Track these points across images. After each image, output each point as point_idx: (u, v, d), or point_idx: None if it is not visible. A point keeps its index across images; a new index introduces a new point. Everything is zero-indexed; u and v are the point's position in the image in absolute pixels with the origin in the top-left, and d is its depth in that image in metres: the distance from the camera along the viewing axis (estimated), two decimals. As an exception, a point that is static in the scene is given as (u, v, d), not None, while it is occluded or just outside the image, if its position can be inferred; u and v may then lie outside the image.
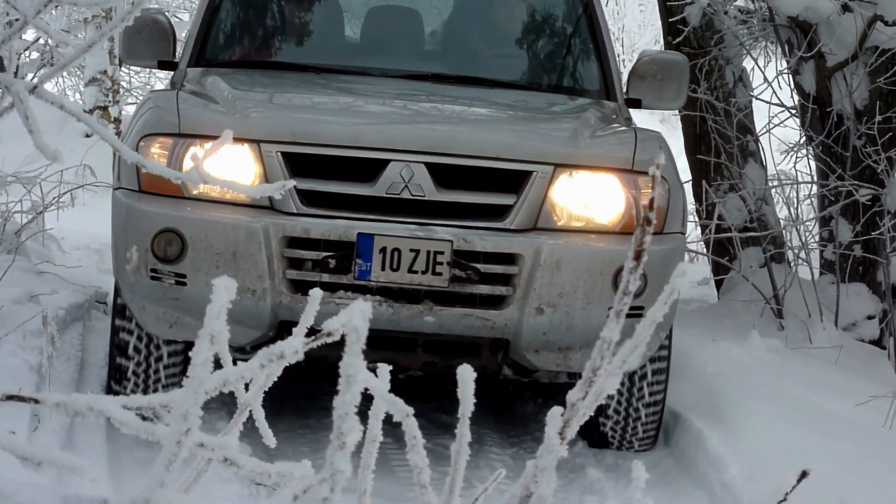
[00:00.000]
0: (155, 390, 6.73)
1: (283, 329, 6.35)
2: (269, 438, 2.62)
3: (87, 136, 25.35)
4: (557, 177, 6.56)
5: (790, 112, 14.51)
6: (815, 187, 13.85)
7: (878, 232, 12.22)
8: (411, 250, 6.04)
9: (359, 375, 2.16)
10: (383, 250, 5.97)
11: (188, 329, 5.68)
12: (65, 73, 31.23)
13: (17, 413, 7.82)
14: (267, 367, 2.38)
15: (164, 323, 6.11)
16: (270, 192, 3.47)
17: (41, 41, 27.83)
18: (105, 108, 30.52)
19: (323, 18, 9.00)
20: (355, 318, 2.14)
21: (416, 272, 5.98)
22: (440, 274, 6.07)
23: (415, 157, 6.39)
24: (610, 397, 6.83)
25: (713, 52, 12.98)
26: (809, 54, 11.53)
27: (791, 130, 14.78)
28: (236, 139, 5.71)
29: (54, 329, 9.74)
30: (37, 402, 2.40)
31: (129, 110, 32.34)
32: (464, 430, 2.42)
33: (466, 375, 2.49)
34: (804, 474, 2.83)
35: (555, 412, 2.48)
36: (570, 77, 8.50)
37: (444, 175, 6.55)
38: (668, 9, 13.98)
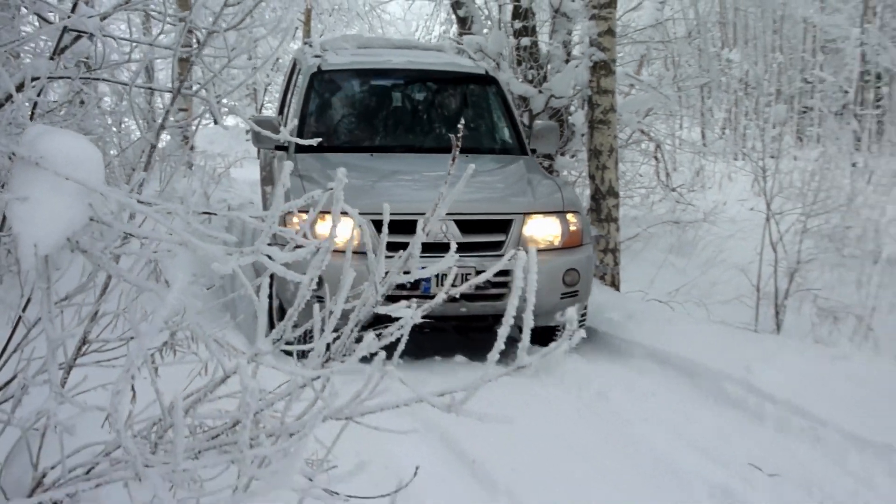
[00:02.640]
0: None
1: (375, 320, 5.46)
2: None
3: (246, 132, 23.39)
4: (526, 221, 5.86)
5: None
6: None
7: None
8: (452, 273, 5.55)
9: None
10: (437, 275, 5.31)
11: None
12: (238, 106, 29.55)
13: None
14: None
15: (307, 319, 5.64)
16: (288, 138, 2.83)
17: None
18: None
19: (370, 115, 7.84)
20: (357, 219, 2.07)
21: (455, 286, 5.59)
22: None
23: (448, 217, 5.62)
24: (558, 330, 6.09)
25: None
26: (526, 109, 11.38)
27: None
28: (347, 213, 5.36)
29: (233, 213, 9.90)
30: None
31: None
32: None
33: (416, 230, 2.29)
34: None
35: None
36: (506, 142, 7.39)
37: (465, 226, 5.72)
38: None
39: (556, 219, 5.93)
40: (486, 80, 7.76)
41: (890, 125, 17.45)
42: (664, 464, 4.24)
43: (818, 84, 19.48)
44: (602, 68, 8.25)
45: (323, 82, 7.49)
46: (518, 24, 10.49)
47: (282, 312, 6.19)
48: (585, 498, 3.88)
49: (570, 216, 5.98)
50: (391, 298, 5.49)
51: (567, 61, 10.41)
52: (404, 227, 4.94)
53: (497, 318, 5.62)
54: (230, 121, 25.20)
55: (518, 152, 7.15)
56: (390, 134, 7.63)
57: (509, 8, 10.80)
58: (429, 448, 4.33)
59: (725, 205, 11.73)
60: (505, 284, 5.53)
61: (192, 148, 12.58)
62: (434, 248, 5.01)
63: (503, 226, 5.73)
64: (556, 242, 5.89)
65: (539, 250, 5.71)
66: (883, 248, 8.30)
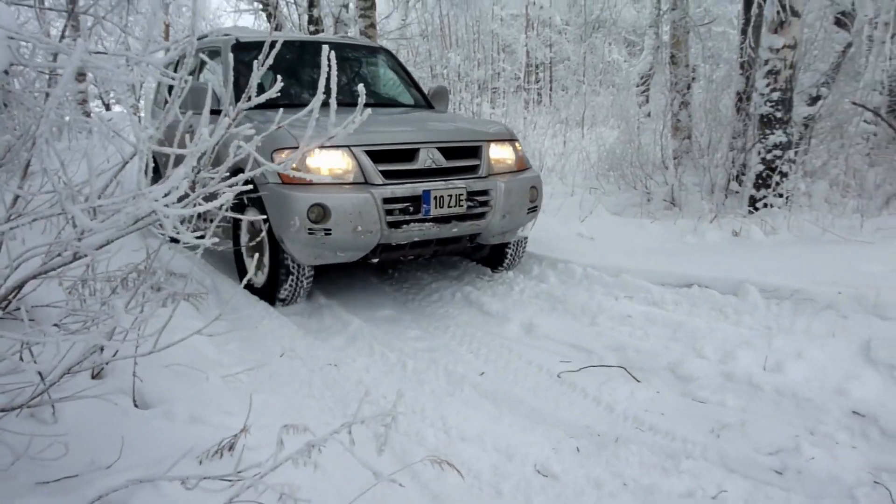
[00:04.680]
0: (301, 292, 4.10)
1: (378, 248, 3.86)
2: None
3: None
4: (489, 147, 4.30)
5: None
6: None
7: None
8: (448, 195, 4.00)
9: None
10: (436, 198, 3.87)
11: (328, 258, 3.38)
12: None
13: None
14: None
15: (314, 257, 3.66)
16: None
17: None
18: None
19: (297, 77, 5.28)
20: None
21: (451, 207, 3.99)
22: (462, 206, 4.03)
23: (432, 145, 4.02)
24: (509, 248, 4.88)
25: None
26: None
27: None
28: (337, 146, 3.68)
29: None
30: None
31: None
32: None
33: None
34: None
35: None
36: (417, 99, 5.52)
37: (447, 152, 4.07)
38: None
39: (508, 145, 4.59)
40: (384, 52, 6.03)
41: (545, 96, 18.65)
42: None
43: (502, 72, 20.34)
44: (369, 49, 8.13)
45: (243, 52, 5.23)
46: (312, 28, 10.12)
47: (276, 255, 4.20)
48: (389, 303, 4.01)
49: (516, 144, 4.68)
50: (394, 225, 3.93)
51: (345, 51, 10.15)
52: (394, 156, 3.92)
53: (472, 238, 4.27)
54: (117, 108, 22.16)
55: (427, 107, 5.58)
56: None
57: (306, 17, 10.44)
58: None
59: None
60: (487, 203, 4.24)
61: (87, 114, 10.73)
62: (425, 174, 4.01)
63: (475, 151, 4.33)
64: (513, 165, 4.58)
65: (504, 172, 4.46)
66: (544, 163, 9.01)
